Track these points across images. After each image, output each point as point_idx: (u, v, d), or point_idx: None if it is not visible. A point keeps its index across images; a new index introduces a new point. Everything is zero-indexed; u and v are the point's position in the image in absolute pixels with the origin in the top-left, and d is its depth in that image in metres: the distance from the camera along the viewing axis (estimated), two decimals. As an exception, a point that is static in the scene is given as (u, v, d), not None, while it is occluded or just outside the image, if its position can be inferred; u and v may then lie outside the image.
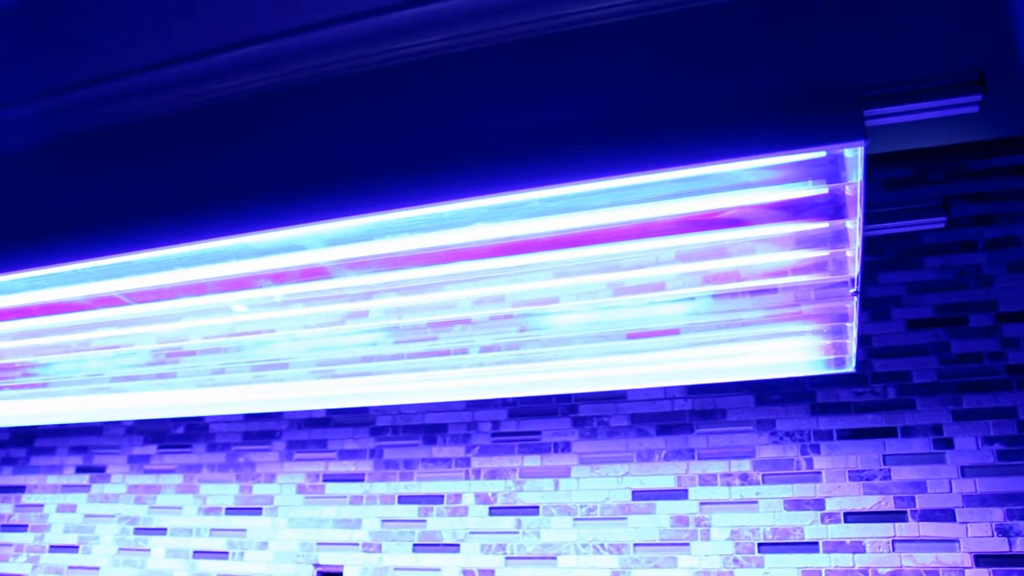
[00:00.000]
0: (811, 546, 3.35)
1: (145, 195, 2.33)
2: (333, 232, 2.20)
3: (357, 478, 4.21)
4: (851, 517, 3.33)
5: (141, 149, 2.47)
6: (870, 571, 3.23)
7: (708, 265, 2.31)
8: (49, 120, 2.52)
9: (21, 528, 4.90)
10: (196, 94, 2.40)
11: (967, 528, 3.18)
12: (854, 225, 2.03)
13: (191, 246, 2.22)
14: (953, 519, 3.21)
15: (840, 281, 2.35)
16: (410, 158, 2.04)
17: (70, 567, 4.65)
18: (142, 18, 2.23)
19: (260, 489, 4.39)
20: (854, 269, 2.24)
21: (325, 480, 4.27)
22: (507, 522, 3.84)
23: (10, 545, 4.88)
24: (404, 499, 4.07)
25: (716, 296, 2.54)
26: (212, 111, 2.41)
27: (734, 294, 2.52)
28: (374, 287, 2.53)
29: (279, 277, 2.46)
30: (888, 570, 3.21)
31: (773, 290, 2.47)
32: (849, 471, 3.40)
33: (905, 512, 3.27)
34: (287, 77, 2.34)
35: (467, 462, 4.02)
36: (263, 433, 4.50)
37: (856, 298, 2.41)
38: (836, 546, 3.31)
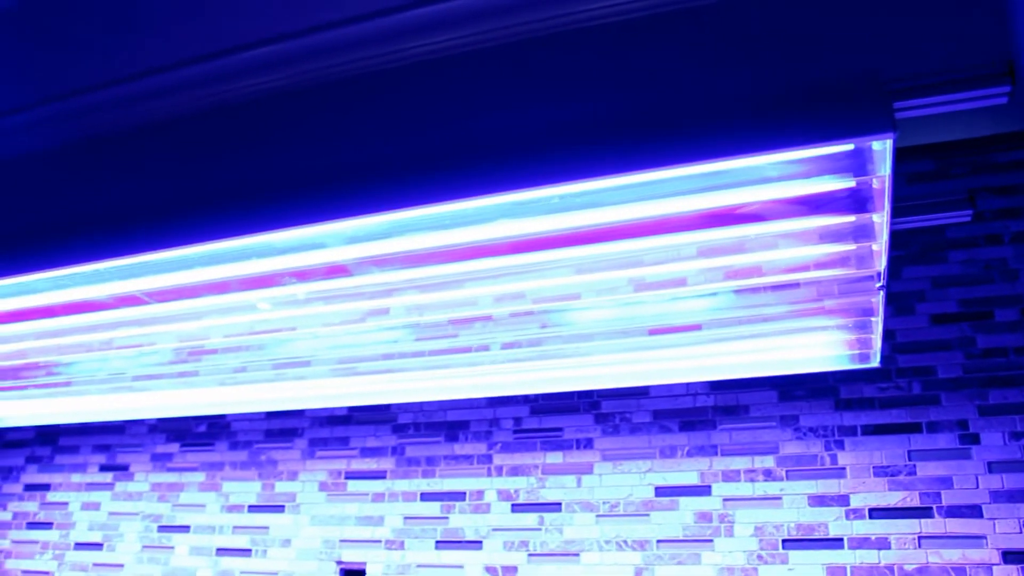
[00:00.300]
0: (836, 542, 3.32)
1: (164, 195, 2.34)
2: (353, 230, 2.19)
3: (379, 475, 4.21)
4: (876, 513, 3.30)
5: (158, 150, 2.47)
6: (896, 568, 3.20)
7: (730, 260, 2.29)
8: (70, 122, 2.53)
9: (46, 526, 4.94)
10: (216, 94, 2.41)
11: (994, 524, 3.14)
12: (881, 219, 2.00)
13: (211, 245, 2.23)
14: (980, 515, 3.17)
15: (865, 275, 2.32)
16: (421, 157, 2.03)
17: (95, 564, 4.69)
18: (157, 20, 2.23)
19: (282, 487, 4.41)
20: (880, 263, 2.21)
21: (347, 477, 4.28)
22: (529, 519, 3.83)
23: (36, 542, 4.92)
24: (426, 496, 4.08)
25: (738, 291, 2.52)
26: (228, 111, 2.41)
27: (756, 289, 2.50)
28: (395, 284, 2.53)
29: (301, 275, 2.47)
30: (914, 566, 3.18)
31: (796, 285, 2.45)
32: (874, 467, 3.37)
33: (931, 508, 3.24)
34: (302, 77, 2.33)
35: (489, 459, 4.01)
36: (285, 431, 4.52)
37: (882, 292, 2.38)
38: (861, 542, 3.28)
